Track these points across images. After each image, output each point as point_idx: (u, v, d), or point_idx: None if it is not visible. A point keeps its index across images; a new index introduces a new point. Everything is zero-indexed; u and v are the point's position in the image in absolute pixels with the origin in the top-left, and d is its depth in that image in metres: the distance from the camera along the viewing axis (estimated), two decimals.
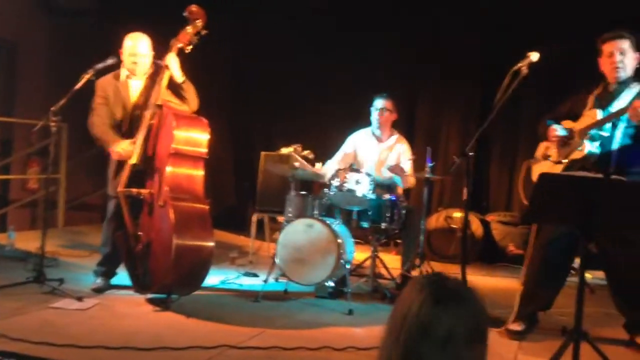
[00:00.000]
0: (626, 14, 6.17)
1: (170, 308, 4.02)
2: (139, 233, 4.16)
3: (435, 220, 6.85)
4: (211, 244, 4.01)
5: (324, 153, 6.04)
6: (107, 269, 4.55)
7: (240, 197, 8.08)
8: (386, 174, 5.22)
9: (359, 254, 5.25)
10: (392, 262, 5.51)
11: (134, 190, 4.20)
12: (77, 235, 6.94)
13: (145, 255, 4.08)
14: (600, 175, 2.76)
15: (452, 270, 6.16)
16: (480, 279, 5.79)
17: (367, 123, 5.67)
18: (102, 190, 8.16)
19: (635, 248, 3.61)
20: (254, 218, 6.14)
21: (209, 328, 3.76)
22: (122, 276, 4.56)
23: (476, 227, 6.77)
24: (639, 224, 2.93)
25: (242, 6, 7.77)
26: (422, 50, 7.69)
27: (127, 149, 4.25)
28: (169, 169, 4.06)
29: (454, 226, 6.73)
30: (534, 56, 3.48)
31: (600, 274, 5.59)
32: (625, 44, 3.77)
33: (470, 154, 3.26)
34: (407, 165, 5.23)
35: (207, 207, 4.10)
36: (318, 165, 6.11)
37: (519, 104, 7.15)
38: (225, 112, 8.01)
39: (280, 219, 6.83)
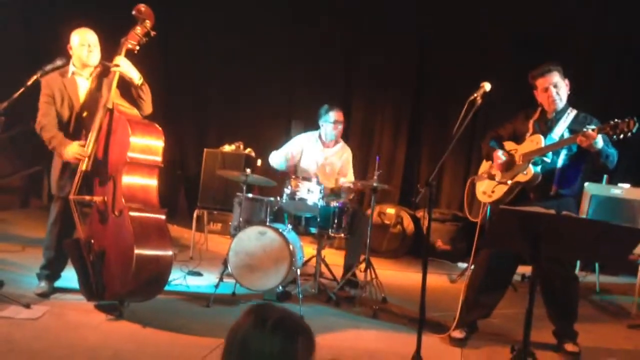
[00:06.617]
0: None
1: (124, 316, 4.02)
2: (91, 240, 4.09)
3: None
4: (170, 252, 4.02)
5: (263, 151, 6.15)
6: (51, 273, 4.46)
7: (171, 186, 7.99)
8: (330, 179, 5.37)
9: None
10: (330, 256, 5.67)
11: (87, 197, 4.12)
12: (1, 223, 6.69)
13: (98, 264, 4.03)
14: (552, 212, 3.03)
15: (386, 265, 6.45)
16: (413, 276, 6.09)
17: (303, 119, 5.76)
18: (21, 172, 7.89)
19: (565, 268, 3.99)
20: (195, 214, 6.15)
21: (168, 339, 3.80)
22: (65, 278, 4.50)
23: (407, 223, 7.08)
24: (575, 251, 3.24)
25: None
26: (356, 52, 7.89)
27: (79, 153, 4.16)
28: (124, 178, 4.00)
29: (387, 222, 7.01)
30: (487, 86, 3.68)
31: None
32: (556, 77, 4.04)
33: (433, 182, 3.44)
34: (351, 173, 5.42)
35: (163, 216, 4.09)
36: (259, 162, 6.21)
37: (448, 109, 7.52)
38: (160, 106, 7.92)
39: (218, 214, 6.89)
